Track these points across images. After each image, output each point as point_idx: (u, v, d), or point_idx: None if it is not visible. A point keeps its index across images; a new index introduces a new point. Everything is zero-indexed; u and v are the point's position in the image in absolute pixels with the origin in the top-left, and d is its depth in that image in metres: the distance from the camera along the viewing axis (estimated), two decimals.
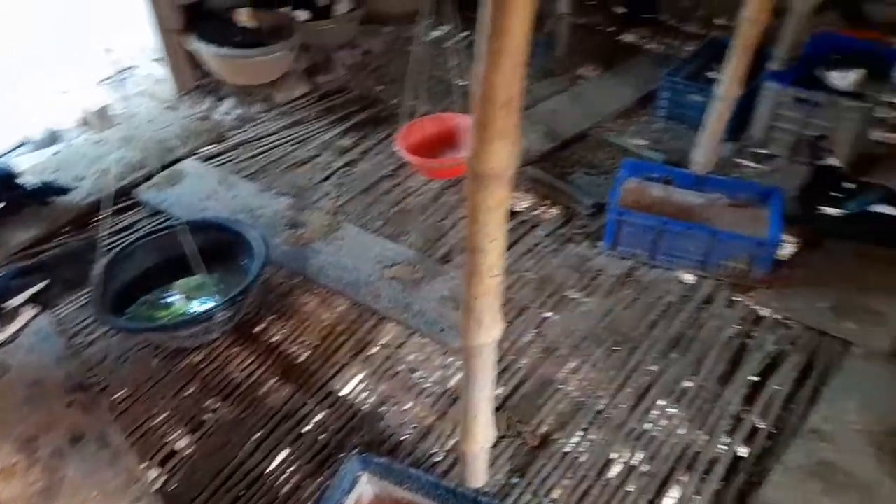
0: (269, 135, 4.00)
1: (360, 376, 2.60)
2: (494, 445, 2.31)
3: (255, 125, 4.09)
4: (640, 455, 2.31)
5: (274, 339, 2.75)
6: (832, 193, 3.20)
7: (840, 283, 2.91)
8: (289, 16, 4.43)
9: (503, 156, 1.12)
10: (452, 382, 2.56)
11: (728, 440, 2.35)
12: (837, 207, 3.16)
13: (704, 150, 3.17)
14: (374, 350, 2.69)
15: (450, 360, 2.65)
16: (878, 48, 3.74)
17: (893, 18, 4.58)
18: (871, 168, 3.48)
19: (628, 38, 5.23)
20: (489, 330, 1.38)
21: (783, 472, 2.19)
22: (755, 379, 2.56)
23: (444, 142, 3.51)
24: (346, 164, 3.75)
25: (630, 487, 2.21)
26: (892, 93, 4.21)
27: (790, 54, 3.76)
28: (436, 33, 5.30)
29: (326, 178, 3.65)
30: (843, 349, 2.64)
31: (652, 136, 4.04)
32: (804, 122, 3.56)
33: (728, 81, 2.88)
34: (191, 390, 2.56)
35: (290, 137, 3.97)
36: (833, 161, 3.38)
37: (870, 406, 2.40)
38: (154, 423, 2.45)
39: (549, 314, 2.85)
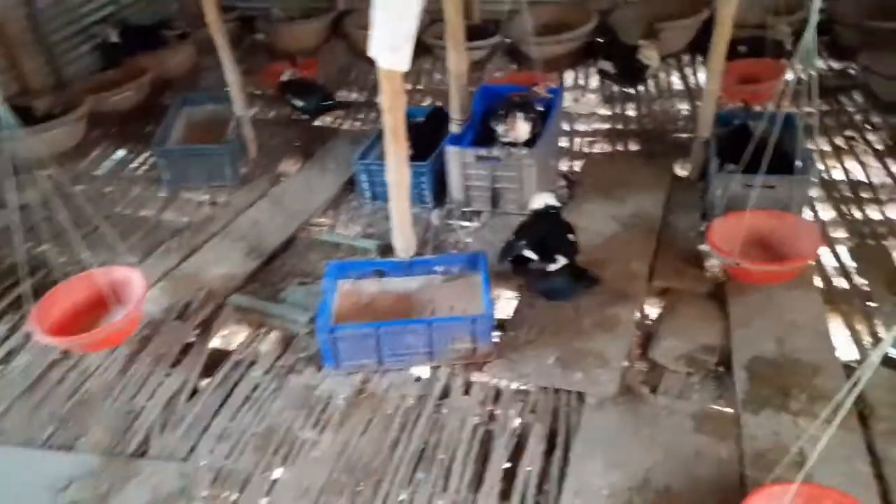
0: None
1: None
2: None
3: None
4: None
5: None
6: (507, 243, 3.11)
7: (560, 332, 2.89)
8: None
9: None
10: None
11: None
12: (503, 256, 3.08)
13: (401, 235, 3.02)
14: None
15: None
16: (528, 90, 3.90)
17: (548, 55, 4.98)
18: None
19: (324, 121, 5.10)
20: None
21: None
22: (507, 466, 2.40)
23: (102, 303, 2.95)
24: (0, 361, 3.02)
25: None
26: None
27: (464, 115, 3.83)
28: (108, 163, 4.71)
29: None
30: (579, 402, 2.60)
31: (362, 221, 3.87)
32: (492, 177, 3.62)
33: (393, 167, 2.76)
34: None
35: None
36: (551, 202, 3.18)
37: (613, 461, 2.34)
38: None
39: (278, 473, 2.44)
